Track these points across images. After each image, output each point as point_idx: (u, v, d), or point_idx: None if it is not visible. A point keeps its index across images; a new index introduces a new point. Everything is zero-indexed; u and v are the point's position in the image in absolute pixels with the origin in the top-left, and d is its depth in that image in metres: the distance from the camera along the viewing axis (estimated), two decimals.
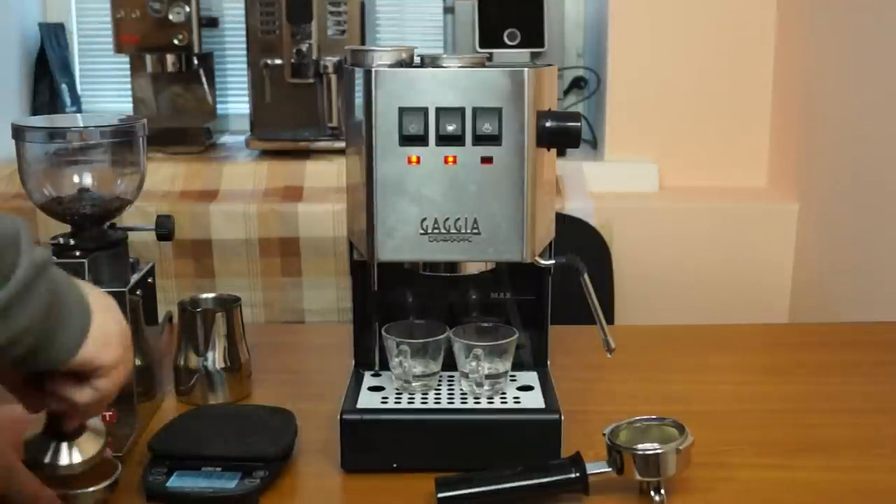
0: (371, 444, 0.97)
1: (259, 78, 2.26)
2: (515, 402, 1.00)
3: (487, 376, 1.01)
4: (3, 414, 0.89)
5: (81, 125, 1.08)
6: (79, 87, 2.59)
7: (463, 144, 0.93)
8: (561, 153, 1.86)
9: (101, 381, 0.79)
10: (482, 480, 0.92)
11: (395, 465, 0.97)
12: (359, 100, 0.95)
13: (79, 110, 2.53)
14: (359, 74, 0.94)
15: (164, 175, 2.09)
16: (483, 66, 0.95)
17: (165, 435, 1.00)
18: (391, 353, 1.02)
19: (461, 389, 1.03)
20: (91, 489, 0.90)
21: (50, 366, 0.76)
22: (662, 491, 0.92)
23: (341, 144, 2.11)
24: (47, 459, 0.82)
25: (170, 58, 2.29)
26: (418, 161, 0.93)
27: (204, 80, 2.34)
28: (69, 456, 0.82)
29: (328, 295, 2.04)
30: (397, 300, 1.09)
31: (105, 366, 0.78)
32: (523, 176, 0.94)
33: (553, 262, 1.01)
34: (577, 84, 2.48)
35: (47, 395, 0.80)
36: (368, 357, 1.08)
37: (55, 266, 0.75)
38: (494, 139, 0.93)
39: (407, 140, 0.93)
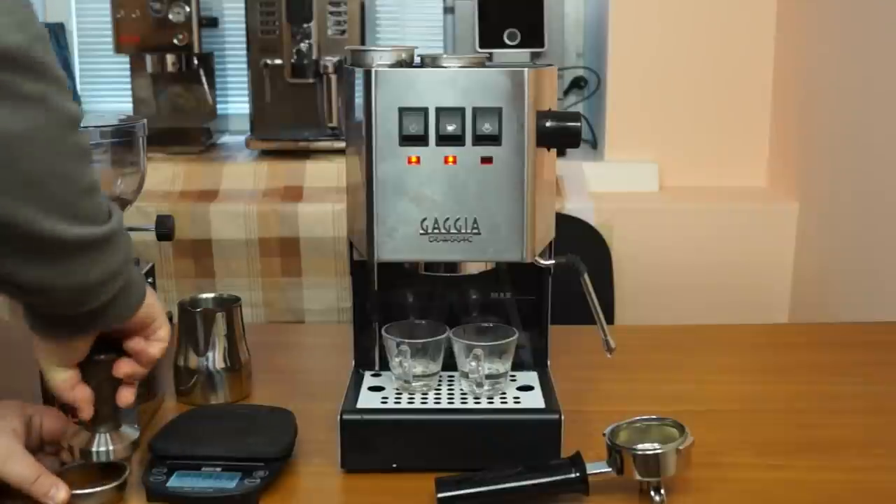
0: (371, 444, 0.97)
1: (259, 78, 2.26)
2: (515, 402, 1.00)
3: (487, 376, 1.01)
4: (4, 402, 0.90)
5: (81, 125, 1.08)
6: (79, 87, 2.59)
7: (463, 144, 0.93)
8: (561, 153, 1.86)
9: (162, 330, 0.91)
10: (482, 480, 0.92)
11: (395, 465, 0.97)
12: (359, 100, 0.95)
13: None
14: (359, 74, 0.94)
15: (164, 175, 2.09)
16: (483, 66, 0.95)
17: (165, 435, 1.00)
18: (391, 353, 1.02)
19: (461, 389, 1.03)
20: (99, 489, 0.90)
21: (129, 312, 0.86)
22: (662, 491, 0.92)
23: (341, 144, 2.11)
24: (94, 447, 0.91)
25: (170, 58, 2.29)
26: (418, 161, 0.93)
27: (204, 80, 2.34)
28: (105, 445, 0.91)
29: (328, 295, 2.04)
30: (397, 300, 1.09)
31: (161, 314, 0.90)
32: (523, 176, 0.94)
33: (553, 262, 1.01)
34: (577, 84, 2.48)
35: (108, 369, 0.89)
36: (368, 357, 1.08)
37: None
38: (494, 139, 0.93)
39: (407, 140, 0.93)
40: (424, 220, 0.95)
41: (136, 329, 0.89)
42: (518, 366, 1.06)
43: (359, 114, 0.95)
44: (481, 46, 2.22)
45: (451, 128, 0.92)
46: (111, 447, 0.91)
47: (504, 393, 1.02)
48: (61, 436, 0.93)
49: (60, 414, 0.94)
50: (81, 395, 0.89)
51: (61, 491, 0.87)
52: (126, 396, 0.91)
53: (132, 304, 0.86)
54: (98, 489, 0.90)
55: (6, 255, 0.74)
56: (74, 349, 0.87)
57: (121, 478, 0.92)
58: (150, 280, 1.11)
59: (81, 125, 0.79)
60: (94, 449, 0.90)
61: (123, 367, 0.91)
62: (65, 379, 0.87)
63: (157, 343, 0.91)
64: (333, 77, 2.17)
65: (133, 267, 0.85)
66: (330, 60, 2.17)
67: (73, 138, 0.76)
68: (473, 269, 1.01)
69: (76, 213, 0.76)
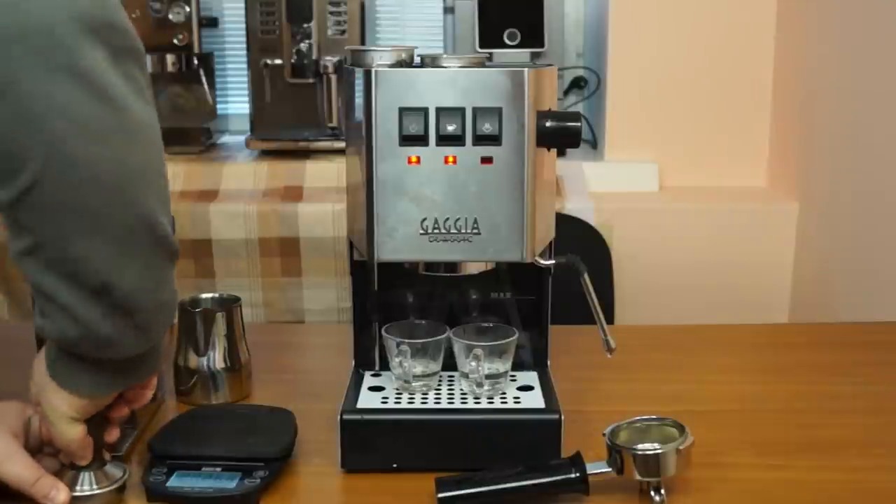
0: (371, 444, 0.97)
1: (259, 78, 2.26)
2: (515, 402, 1.00)
3: (487, 376, 1.01)
4: (4, 402, 0.90)
5: None
6: None
7: (463, 144, 0.93)
8: (561, 153, 1.86)
9: (154, 380, 0.92)
10: (482, 480, 0.92)
11: (395, 465, 0.97)
12: (359, 100, 0.95)
13: None
14: (359, 74, 0.94)
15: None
16: (483, 66, 0.95)
17: (165, 435, 1.00)
18: (391, 353, 1.02)
19: (461, 389, 1.03)
20: (99, 491, 0.90)
21: (159, 362, 0.90)
22: (662, 491, 0.92)
23: (341, 144, 2.11)
24: (78, 488, 0.90)
25: (170, 58, 2.28)
26: (418, 161, 0.93)
27: (204, 80, 2.34)
28: (89, 483, 0.90)
29: (328, 295, 2.04)
30: (397, 300, 1.09)
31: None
32: (523, 176, 0.94)
33: (553, 262, 1.01)
34: (577, 84, 2.48)
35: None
36: (368, 357, 1.08)
37: None
38: (494, 139, 0.93)
39: (407, 140, 0.93)
40: (424, 220, 0.95)
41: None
42: (518, 366, 1.06)
43: (359, 114, 0.95)
44: (481, 46, 2.22)
45: (451, 128, 0.92)
46: (95, 487, 0.90)
47: (504, 393, 1.02)
48: None
49: None
50: (88, 444, 0.89)
51: (61, 492, 0.87)
52: (114, 434, 0.92)
53: (161, 353, 0.89)
54: (98, 491, 0.90)
55: (122, 254, 0.76)
56: (101, 404, 0.87)
57: (121, 479, 0.92)
58: None
59: None
60: (77, 489, 0.89)
61: (119, 411, 0.91)
62: (79, 432, 0.87)
63: (150, 390, 0.93)
64: (333, 77, 2.17)
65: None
66: (330, 60, 2.17)
67: (162, 147, 0.80)
68: (473, 269, 1.01)
69: (171, 219, 0.81)
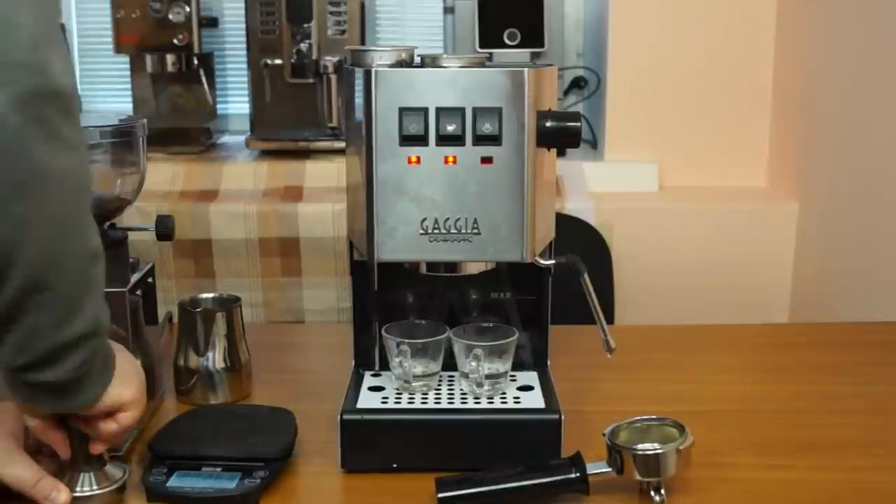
0: (371, 444, 0.97)
1: (259, 78, 2.26)
2: (515, 402, 1.00)
3: (487, 376, 1.01)
4: (4, 404, 0.90)
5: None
6: (79, 87, 2.59)
7: (463, 144, 0.93)
8: (561, 153, 1.86)
9: (124, 416, 0.88)
10: (482, 480, 0.92)
11: (395, 465, 0.97)
12: (359, 100, 0.95)
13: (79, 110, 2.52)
14: (359, 74, 0.94)
15: (164, 175, 2.09)
16: (483, 66, 0.95)
17: (165, 435, 1.00)
18: (391, 353, 1.02)
19: (461, 389, 1.03)
20: (99, 491, 0.90)
21: (100, 388, 0.84)
22: (662, 491, 0.92)
23: (341, 144, 2.11)
24: (77, 488, 0.89)
25: (170, 58, 2.28)
26: (418, 161, 0.93)
27: (204, 80, 2.34)
28: (89, 484, 0.90)
29: (328, 295, 2.04)
30: (397, 300, 1.09)
31: (126, 402, 0.87)
32: (523, 176, 0.94)
33: (553, 262, 1.01)
34: (577, 84, 2.48)
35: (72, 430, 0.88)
36: (368, 357, 1.08)
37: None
38: (494, 139, 0.93)
39: (407, 140, 0.93)
40: (424, 220, 0.94)
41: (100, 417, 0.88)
42: (518, 366, 1.06)
43: (359, 114, 0.95)
44: (481, 46, 2.22)
45: (451, 128, 0.92)
46: (95, 488, 0.90)
47: (504, 393, 1.02)
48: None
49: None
50: (54, 437, 0.88)
51: (62, 494, 0.87)
52: (98, 448, 0.91)
53: (104, 380, 0.84)
54: (98, 491, 0.90)
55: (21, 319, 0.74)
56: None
57: (121, 479, 0.92)
58: (149, 280, 1.11)
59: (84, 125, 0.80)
60: (78, 490, 0.89)
61: (95, 447, 0.90)
62: (37, 422, 0.87)
63: (112, 424, 0.88)
64: (333, 77, 2.17)
65: (108, 345, 0.84)
66: (330, 60, 2.17)
67: (88, 198, 0.78)
68: (473, 269, 1.01)
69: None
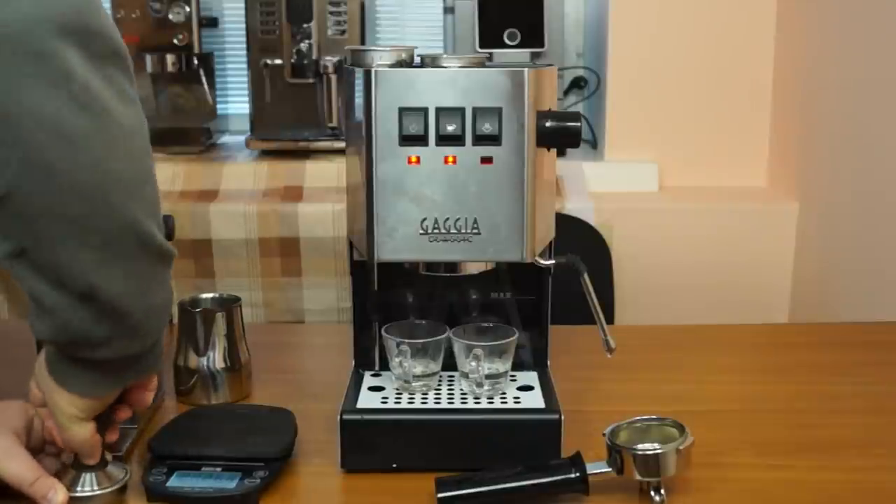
0: (371, 444, 0.97)
1: (259, 78, 2.26)
2: (515, 402, 1.00)
3: (487, 376, 1.01)
4: (7, 402, 0.90)
5: None
6: None
7: (463, 144, 0.93)
8: (561, 153, 1.86)
9: (153, 382, 0.91)
10: (482, 480, 0.92)
11: (395, 465, 0.97)
12: (359, 100, 0.95)
13: None
14: (359, 74, 0.94)
15: (164, 175, 2.09)
16: (483, 66, 0.94)
17: (165, 435, 1.00)
18: (391, 353, 1.02)
19: (461, 389, 1.03)
20: (99, 492, 0.90)
21: (159, 361, 0.89)
22: (662, 491, 0.92)
23: (341, 144, 2.11)
24: (79, 488, 0.89)
25: (170, 58, 2.28)
26: (418, 161, 0.93)
27: (204, 80, 2.34)
28: (90, 484, 0.90)
29: (328, 295, 2.04)
30: (397, 300, 1.09)
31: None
32: (523, 176, 0.94)
33: (553, 262, 1.01)
34: (577, 84, 2.48)
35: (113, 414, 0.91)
36: (368, 357, 1.08)
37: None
38: (494, 139, 0.93)
39: (407, 140, 0.93)
40: (424, 220, 0.94)
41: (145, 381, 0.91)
42: (518, 366, 1.06)
43: (359, 114, 0.95)
44: (481, 46, 2.22)
45: (451, 128, 0.92)
46: (96, 488, 0.90)
47: (504, 393, 1.02)
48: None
49: None
50: (97, 443, 0.89)
51: (59, 493, 0.87)
52: (114, 435, 0.92)
53: (162, 350, 0.88)
54: (99, 492, 0.90)
55: (106, 260, 0.75)
56: (105, 402, 0.87)
57: (122, 480, 0.92)
58: None
59: None
60: (79, 490, 0.89)
61: (123, 414, 0.91)
62: (88, 431, 0.87)
63: (151, 392, 0.92)
64: (333, 77, 2.17)
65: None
66: (330, 60, 2.17)
67: (150, 150, 0.79)
68: (473, 269, 1.01)
69: (159, 222, 0.80)
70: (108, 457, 0.92)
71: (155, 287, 0.80)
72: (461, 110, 0.92)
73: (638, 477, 0.91)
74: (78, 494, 0.89)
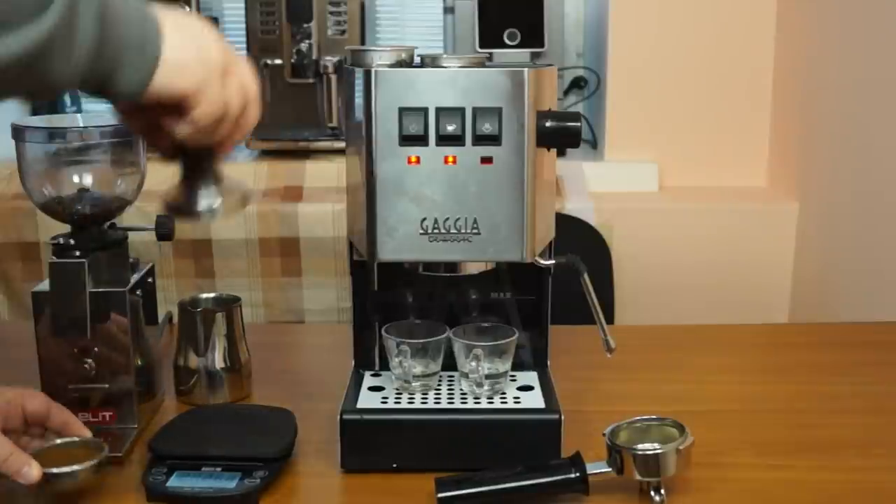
0: (371, 444, 0.97)
1: (259, 78, 2.26)
2: (515, 402, 1.00)
3: (487, 376, 1.01)
4: None
5: (81, 125, 1.08)
6: None
7: (463, 144, 0.93)
8: (561, 153, 1.86)
9: (195, 112, 0.75)
10: (482, 480, 0.92)
11: (395, 465, 0.97)
12: (359, 100, 0.95)
13: (79, 110, 2.52)
14: (359, 74, 0.94)
15: (164, 175, 2.08)
16: (483, 66, 0.94)
17: (165, 435, 1.00)
18: (391, 353, 1.02)
19: (461, 389, 1.03)
20: (76, 468, 0.88)
21: (123, 98, 0.73)
22: (662, 491, 0.92)
23: (341, 144, 2.11)
24: (200, 206, 0.80)
25: None
26: (418, 161, 0.93)
27: None
28: (215, 197, 0.80)
29: (328, 295, 2.04)
30: (397, 300, 1.09)
31: (188, 94, 0.74)
32: (523, 176, 0.94)
33: (553, 262, 1.01)
34: (577, 84, 2.48)
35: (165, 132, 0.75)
36: (368, 357, 1.08)
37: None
38: (494, 139, 0.93)
39: (407, 140, 0.93)
40: (424, 219, 0.94)
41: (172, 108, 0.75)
42: (518, 366, 1.06)
43: (359, 114, 0.95)
44: (481, 46, 2.22)
45: (451, 128, 0.92)
46: (217, 202, 0.79)
47: (504, 393, 1.02)
48: (46, 418, 0.93)
49: (44, 396, 0.95)
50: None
51: (34, 469, 0.85)
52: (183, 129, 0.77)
53: (125, 92, 0.73)
54: (75, 468, 0.88)
55: None
56: (137, 122, 0.77)
57: (97, 457, 0.90)
58: (150, 280, 1.11)
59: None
60: (199, 206, 0.78)
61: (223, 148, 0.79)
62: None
63: (183, 124, 0.76)
64: (333, 77, 2.16)
65: (121, 48, 0.70)
66: (330, 60, 2.17)
67: None
68: (473, 269, 1.01)
69: None
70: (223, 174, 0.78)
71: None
72: (461, 110, 0.92)
73: (638, 477, 0.91)
74: (54, 471, 0.87)
